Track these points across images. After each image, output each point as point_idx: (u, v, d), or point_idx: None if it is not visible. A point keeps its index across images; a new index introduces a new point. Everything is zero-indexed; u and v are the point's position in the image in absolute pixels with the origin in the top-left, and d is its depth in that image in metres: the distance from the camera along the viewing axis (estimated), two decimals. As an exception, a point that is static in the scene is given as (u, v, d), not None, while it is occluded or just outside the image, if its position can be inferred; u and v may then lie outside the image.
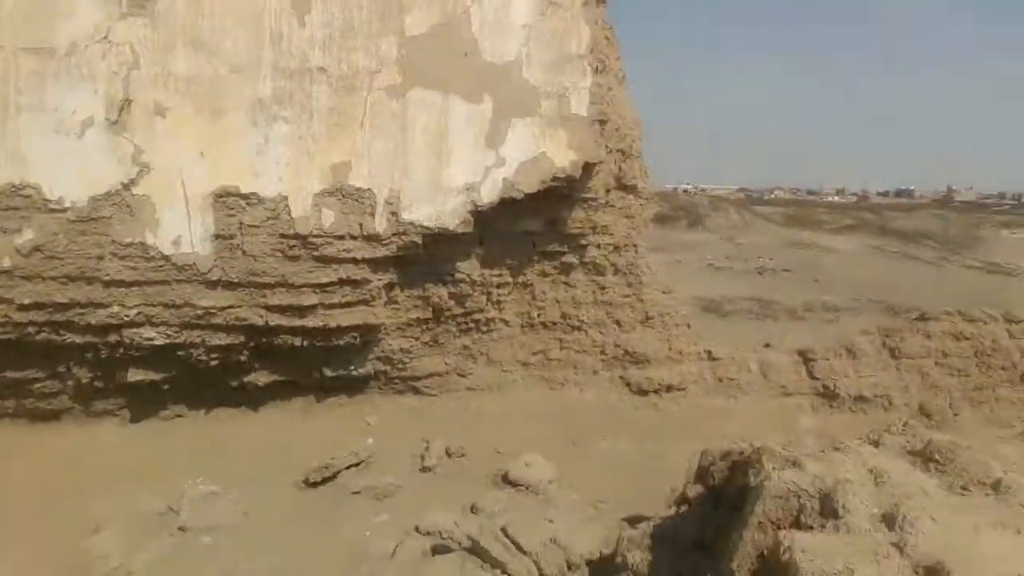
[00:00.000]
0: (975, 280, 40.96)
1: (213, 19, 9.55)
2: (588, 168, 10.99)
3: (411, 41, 10.12)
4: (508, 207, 10.72)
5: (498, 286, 11.60)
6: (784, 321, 29.62)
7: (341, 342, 10.85)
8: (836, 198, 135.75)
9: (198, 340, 10.24)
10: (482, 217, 10.64)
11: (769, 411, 12.99)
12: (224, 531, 9.05)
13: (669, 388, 12.54)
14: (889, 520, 6.05)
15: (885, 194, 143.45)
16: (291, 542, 8.79)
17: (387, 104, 10.09)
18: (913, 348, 13.76)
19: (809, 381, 13.51)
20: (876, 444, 8.42)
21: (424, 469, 10.70)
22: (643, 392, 12.46)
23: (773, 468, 7.11)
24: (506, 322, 12.08)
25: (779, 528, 6.41)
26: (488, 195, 10.42)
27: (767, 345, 15.36)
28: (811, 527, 6.24)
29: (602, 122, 10.99)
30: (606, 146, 11.36)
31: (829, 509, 6.34)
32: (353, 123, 10.01)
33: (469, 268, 11.17)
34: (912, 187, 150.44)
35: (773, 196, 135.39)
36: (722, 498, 8.22)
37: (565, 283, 12.17)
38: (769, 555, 6.06)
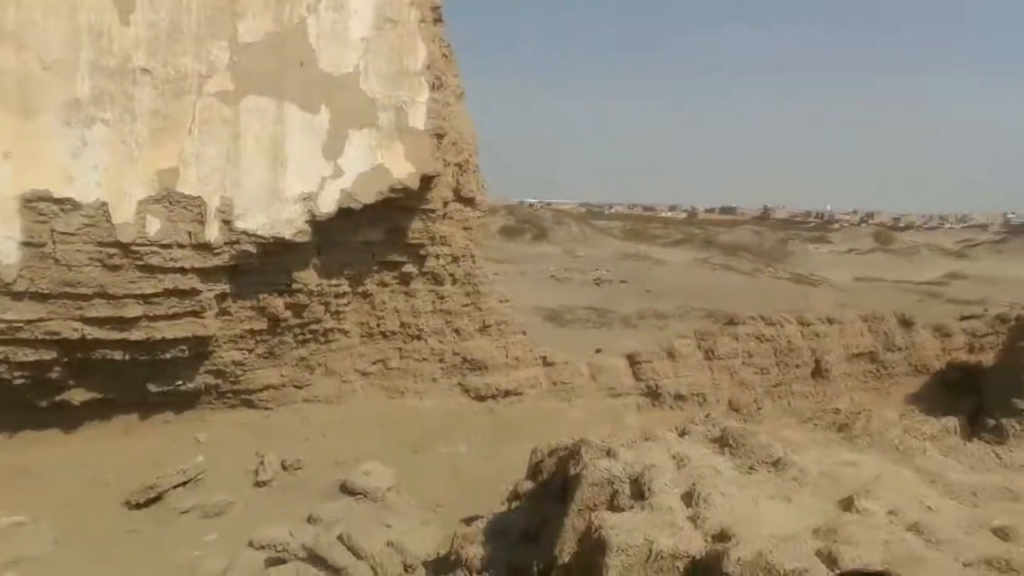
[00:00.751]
0: (783, 289, 45.44)
1: (20, 10, 8.90)
2: (426, 180, 11.30)
3: (245, 48, 9.96)
4: (347, 217, 10.79)
5: (337, 296, 11.59)
6: (619, 329, 31.44)
7: (168, 355, 10.38)
8: (669, 214, 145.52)
9: (0, 357, 9.43)
10: (320, 227, 10.63)
11: (599, 411, 13.87)
12: (31, 563, 8.40)
13: (507, 393, 13.06)
14: (687, 497, 6.80)
15: (712, 211, 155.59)
16: (112, 569, 8.31)
17: (218, 110, 9.86)
18: (724, 350, 15.24)
19: (635, 382, 14.58)
20: (683, 433, 9.35)
21: (259, 484, 10.45)
22: (481, 398, 12.89)
23: (591, 459, 7.73)
24: (345, 332, 12.08)
25: (596, 511, 7.00)
26: (326, 205, 10.44)
27: (598, 350, 16.35)
28: (623, 508, 6.89)
29: (440, 136, 11.35)
30: (444, 160, 11.72)
31: (638, 491, 7.02)
32: (181, 128, 9.68)
33: (307, 278, 11.09)
34: (735, 205, 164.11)
35: (613, 211, 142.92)
36: (549, 491, 8.77)
37: (405, 293, 12.37)
38: (586, 536, 6.63)
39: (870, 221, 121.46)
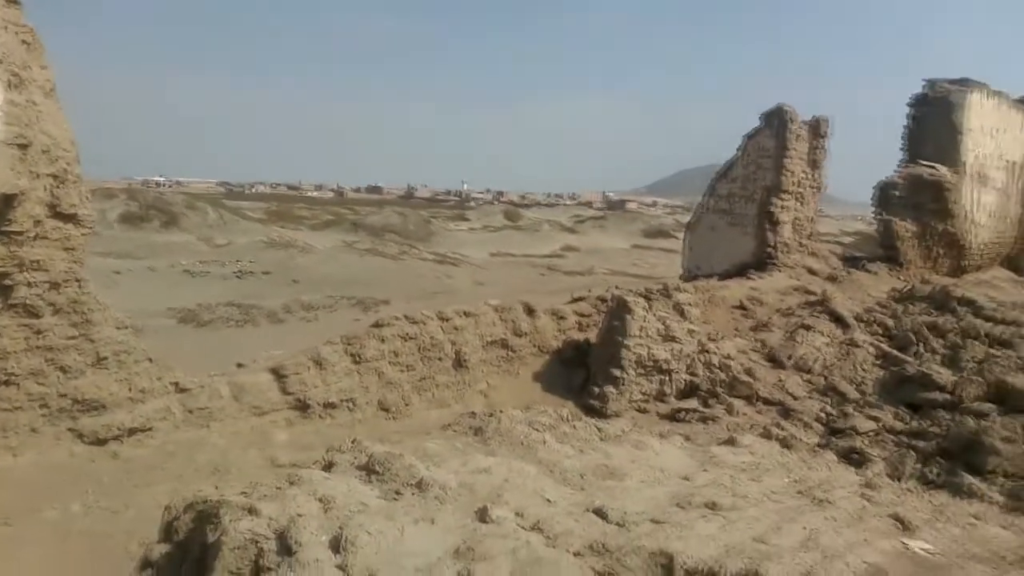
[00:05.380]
0: (428, 270, 47.95)
1: None
2: (8, 199, 9.34)
3: None
4: None
5: None
6: (265, 325, 30.05)
7: None
8: (316, 193, 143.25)
9: None
10: None
11: (244, 434, 13.09)
12: None
13: (132, 432, 11.58)
14: (335, 544, 6.78)
15: (359, 190, 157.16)
16: None
17: None
18: (370, 352, 15.47)
19: (282, 396, 14.04)
20: (329, 466, 9.30)
21: None
22: (100, 442, 11.24)
23: (231, 520, 7.25)
24: (-102, 389, 9.53)
25: (240, 579, 6.61)
26: None
27: (240, 365, 15.40)
28: (270, 568, 6.60)
29: (23, 146, 9.44)
30: (33, 172, 9.79)
31: (285, 547, 6.78)
32: None
33: None
34: (381, 184, 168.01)
35: (255, 190, 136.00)
36: (188, 556, 8.03)
37: (-14, 331, 10.17)
38: (231, 612, 6.22)
39: (500, 199, 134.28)
